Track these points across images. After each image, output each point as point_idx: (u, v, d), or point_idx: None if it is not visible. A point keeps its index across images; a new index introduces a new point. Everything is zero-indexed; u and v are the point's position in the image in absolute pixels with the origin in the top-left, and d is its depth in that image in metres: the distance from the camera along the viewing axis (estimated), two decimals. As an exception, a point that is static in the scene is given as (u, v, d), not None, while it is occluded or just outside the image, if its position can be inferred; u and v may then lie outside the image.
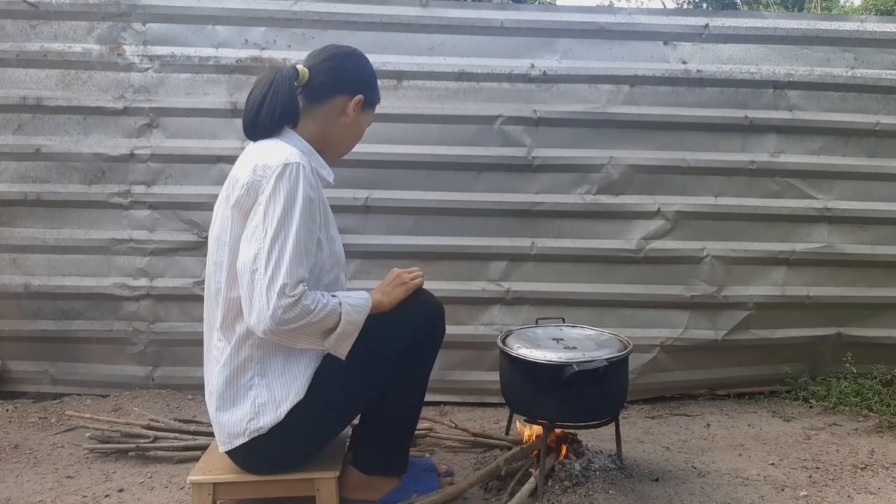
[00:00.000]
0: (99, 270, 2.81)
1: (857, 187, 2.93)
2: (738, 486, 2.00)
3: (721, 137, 2.89)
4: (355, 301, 1.56)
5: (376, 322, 1.59)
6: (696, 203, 2.87)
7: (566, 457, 1.97)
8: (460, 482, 1.87)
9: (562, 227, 2.85)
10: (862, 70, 2.91)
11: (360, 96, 1.68)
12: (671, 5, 14.51)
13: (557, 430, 1.99)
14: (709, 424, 2.61)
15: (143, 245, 2.80)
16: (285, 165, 1.49)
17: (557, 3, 10.29)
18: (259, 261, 1.45)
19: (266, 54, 2.78)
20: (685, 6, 13.88)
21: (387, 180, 2.80)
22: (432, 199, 2.81)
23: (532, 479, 1.83)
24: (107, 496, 1.91)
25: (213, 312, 1.62)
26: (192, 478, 1.64)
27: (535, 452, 1.95)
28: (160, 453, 2.16)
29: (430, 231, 2.82)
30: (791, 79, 2.88)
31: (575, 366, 1.75)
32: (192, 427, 2.31)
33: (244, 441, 1.56)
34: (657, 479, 2.01)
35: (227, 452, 1.61)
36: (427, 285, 1.75)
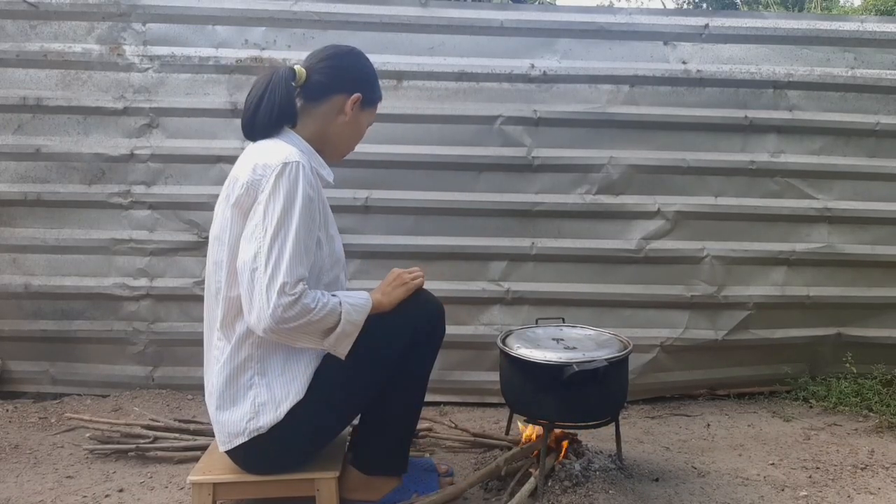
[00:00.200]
0: (99, 270, 2.81)
1: (857, 187, 2.93)
2: (738, 486, 2.00)
3: (721, 137, 2.89)
4: (355, 301, 1.56)
5: (376, 322, 1.59)
6: (696, 203, 2.87)
7: (566, 456, 1.97)
8: (460, 482, 1.87)
9: (562, 227, 2.85)
10: (862, 70, 2.91)
11: (357, 95, 1.68)
12: (671, 5, 14.52)
13: (557, 430, 1.99)
14: (709, 424, 2.61)
15: (143, 245, 2.80)
16: (285, 164, 1.49)
17: (557, 3, 10.29)
18: (259, 259, 1.45)
19: (266, 54, 2.79)
20: (685, 6, 13.88)
21: (387, 180, 2.80)
22: (432, 199, 2.81)
23: (532, 479, 1.83)
24: (107, 496, 1.91)
25: (213, 312, 1.62)
26: (192, 478, 1.64)
27: (535, 452, 1.95)
28: (160, 453, 2.16)
29: (430, 231, 2.82)
30: (791, 79, 2.88)
31: (575, 366, 1.75)
32: (192, 427, 2.31)
33: (244, 441, 1.56)
34: (657, 479, 2.01)
35: (227, 452, 1.61)
36: (427, 285, 1.75)
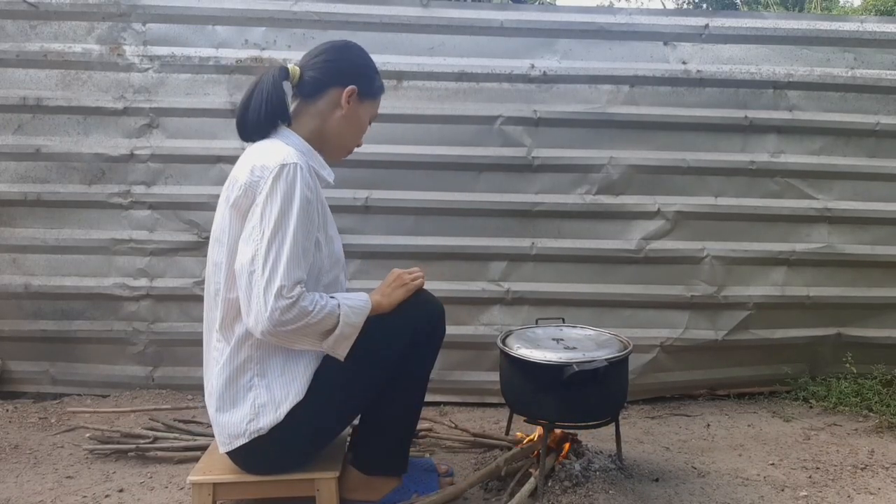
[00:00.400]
0: (99, 270, 2.81)
1: (857, 187, 2.93)
2: (738, 486, 2.00)
3: (721, 137, 2.89)
4: (354, 303, 1.56)
5: (376, 323, 1.59)
6: (696, 203, 2.87)
7: (566, 457, 1.97)
8: (460, 482, 1.87)
9: (562, 228, 2.85)
10: (862, 70, 2.91)
11: (352, 87, 1.66)
12: (671, 5, 14.52)
13: (557, 431, 1.99)
14: (709, 425, 2.61)
15: (143, 245, 2.80)
16: (282, 166, 1.49)
17: (557, 3, 10.30)
18: (256, 262, 1.45)
19: (266, 54, 2.78)
20: (685, 6, 13.88)
21: (387, 180, 2.80)
22: (432, 199, 2.81)
23: (532, 480, 1.83)
24: (107, 496, 1.91)
25: (212, 313, 1.62)
26: (192, 478, 1.64)
27: (536, 453, 1.95)
28: (160, 453, 2.16)
29: (430, 231, 2.82)
30: (791, 79, 2.88)
31: (575, 366, 1.75)
32: (192, 427, 2.31)
33: (244, 442, 1.56)
34: (657, 480, 2.01)
35: (228, 453, 1.61)
36: (427, 285, 1.74)
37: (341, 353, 1.56)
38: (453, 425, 2.38)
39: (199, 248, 2.77)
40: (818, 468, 2.13)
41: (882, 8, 8.47)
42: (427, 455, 2.20)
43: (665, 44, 2.88)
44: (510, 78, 2.83)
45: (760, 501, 1.89)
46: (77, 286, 2.80)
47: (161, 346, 2.83)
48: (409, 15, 2.81)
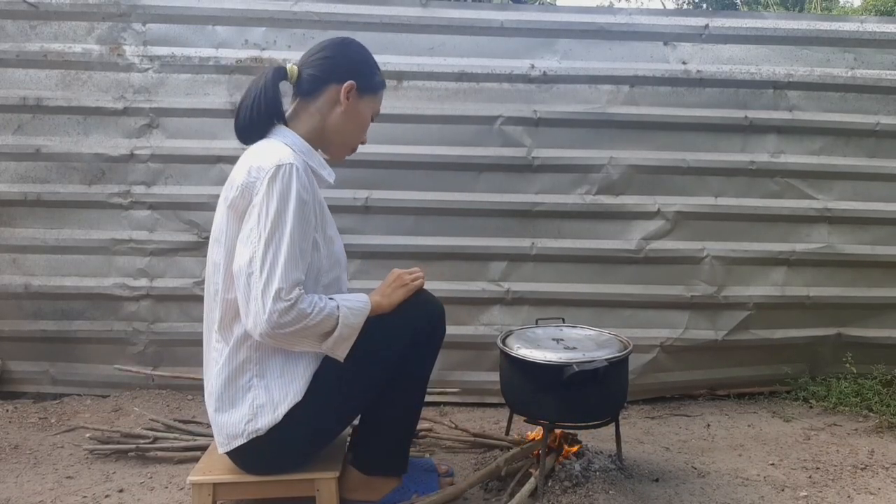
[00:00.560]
0: (99, 271, 2.81)
1: (857, 187, 2.93)
2: (738, 486, 2.00)
3: (721, 138, 2.89)
4: (353, 304, 1.56)
5: (376, 323, 1.59)
6: (696, 203, 2.87)
7: (567, 457, 1.97)
8: (460, 482, 1.87)
9: (562, 228, 2.85)
10: (862, 70, 2.91)
11: (351, 82, 1.65)
12: (671, 5, 14.52)
13: (558, 431, 1.99)
14: (709, 425, 2.61)
15: (143, 245, 2.80)
16: (278, 167, 1.48)
17: (557, 3, 10.30)
18: (254, 264, 1.45)
19: (266, 55, 2.78)
20: (685, 6, 13.88)
21: (387, 180, 2.80)
22: (432, 199, 2.81)
23: (532, 480, 1.83)
24: (107, 496, 1.91)
25: (211, 313, 1.62)
26: (191, 478, 1.64)
27: (536, 453, 1.95)
28: (160, 454, 2.16)
29: (430, 231, 2.82)
30: (791, 79, 2.88)
31: (575, 366, 1.75)
32: (192, 427, 2.31)
33: (242, 442, 1.56)
34: (657, 480, 2.01)
35: (227, 453, 1.61)
36: (427, 285, 1.74)
37: (341, 354, 1.56)
38: (453, 425, 2.38)
39: (199, 248, 2.77)
40: (818, 468, 2.13)
41: (882, 8, 8.47)
42: (427, 455, 2.20)
43: (665, 44, 2.88)
44: (510, 78, 2.83)
45: (760, 501, 1.89)
46: (77, 286, 2.80)
47: (161, 347, 2.83)
48: (409, 15, 2.81)
